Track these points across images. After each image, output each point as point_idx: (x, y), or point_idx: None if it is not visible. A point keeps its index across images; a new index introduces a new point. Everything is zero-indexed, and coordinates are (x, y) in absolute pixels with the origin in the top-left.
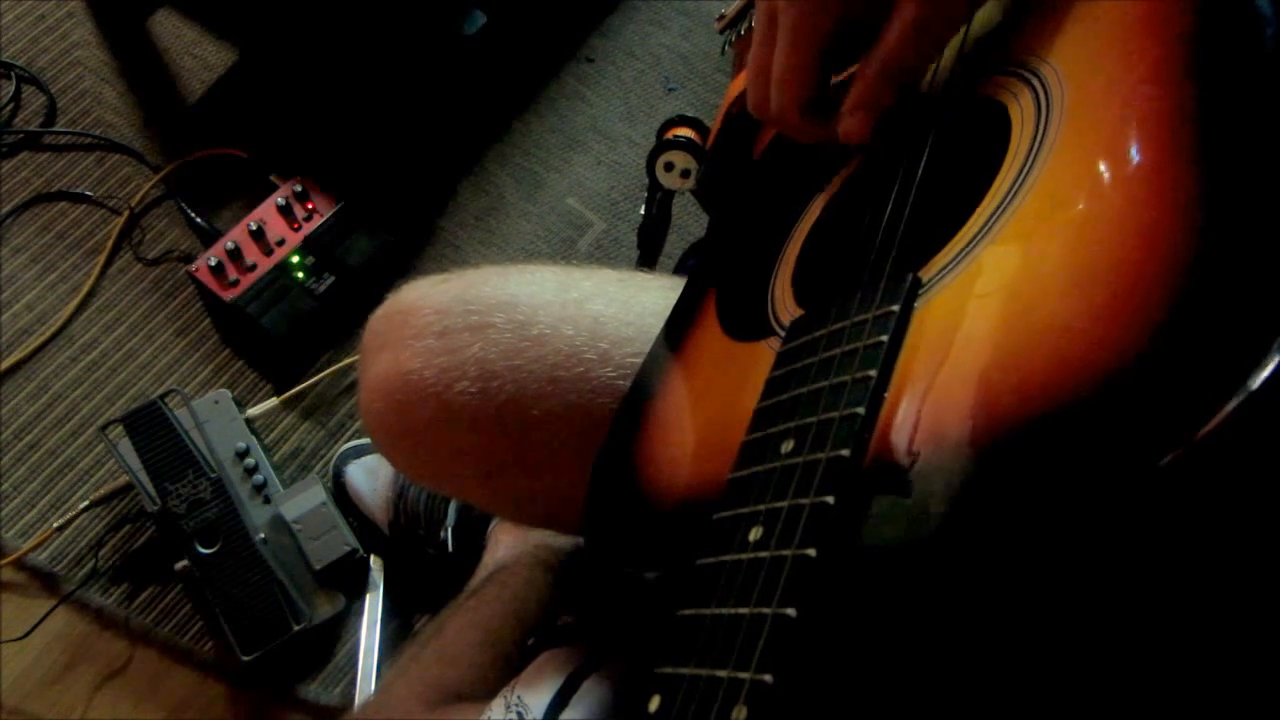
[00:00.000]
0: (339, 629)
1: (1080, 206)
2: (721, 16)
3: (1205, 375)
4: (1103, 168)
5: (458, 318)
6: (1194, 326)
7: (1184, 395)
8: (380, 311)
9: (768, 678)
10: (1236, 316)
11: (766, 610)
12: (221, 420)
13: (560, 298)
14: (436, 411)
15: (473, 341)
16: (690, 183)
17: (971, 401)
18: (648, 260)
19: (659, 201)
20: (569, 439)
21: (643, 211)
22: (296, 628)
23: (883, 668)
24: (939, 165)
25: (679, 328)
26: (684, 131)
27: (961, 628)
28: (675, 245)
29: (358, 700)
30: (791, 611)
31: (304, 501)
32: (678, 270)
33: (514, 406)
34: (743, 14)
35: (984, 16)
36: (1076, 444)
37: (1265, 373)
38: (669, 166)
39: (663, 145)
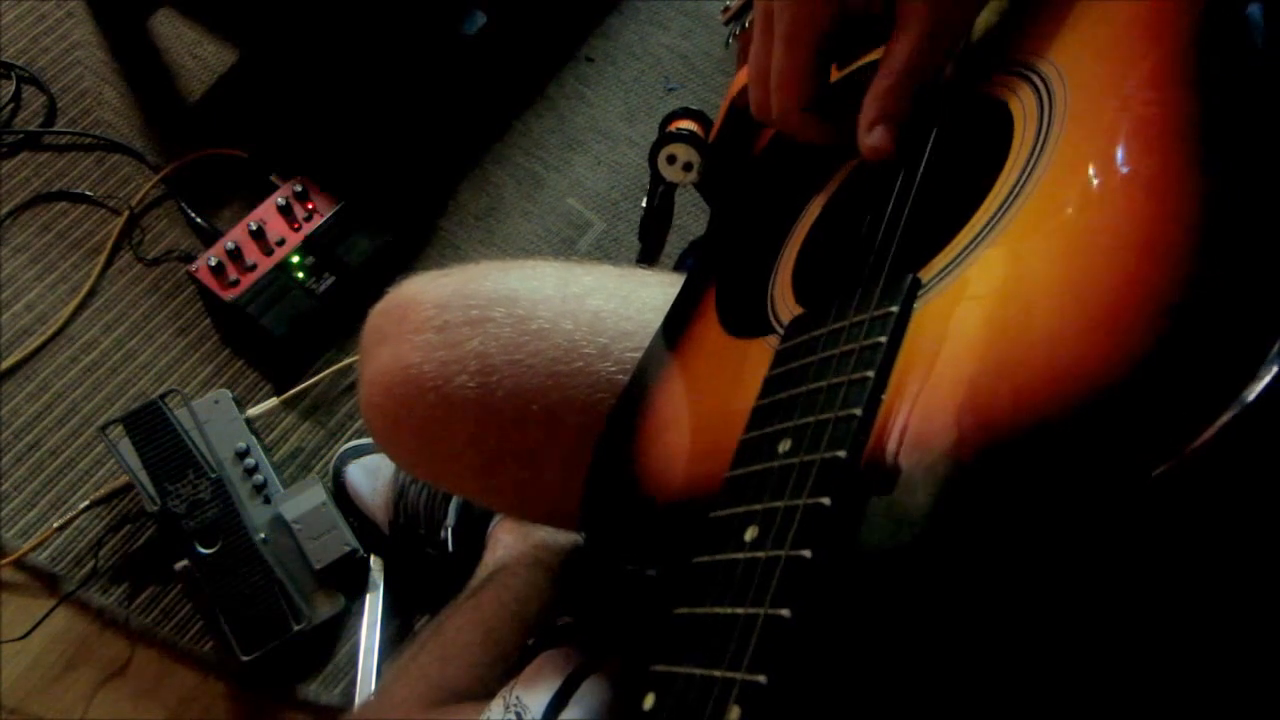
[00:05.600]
0: (339, 629)
1: (1081, 212)
2: (726, 8)
3: (1200, 387)
4: (1105, 173)
5: (457, 312)
6: (1191, 338)
7: (1178, 407)
8: (380, 306)
9: (761, 678)
10: (1233, 327)
11: (760, 611)
12: (221, 420)
13: (560, 292)
14: (436, 405)
15: (472, 335)
16: (693, 176)
17: (963, 408)
18: (648, 256)
19: (660, 195)
20: (568, 433)
21: (644, 205)
22: (296, 628)
23: (876, 669)
24: (940, 164)
25: (678, 323)
26: (687, 124)
27: (954, 632)
28: (675, 244)
29: (358, 700)
30: (786, 612)
31: (304, 501)
32: (676, 269)
33: (513, 400)
34: (747, 6)
35: (986, 15)
36: (1068, 454)
37: (1260, 385)
38: (671, 159)
39: (665, 138)
